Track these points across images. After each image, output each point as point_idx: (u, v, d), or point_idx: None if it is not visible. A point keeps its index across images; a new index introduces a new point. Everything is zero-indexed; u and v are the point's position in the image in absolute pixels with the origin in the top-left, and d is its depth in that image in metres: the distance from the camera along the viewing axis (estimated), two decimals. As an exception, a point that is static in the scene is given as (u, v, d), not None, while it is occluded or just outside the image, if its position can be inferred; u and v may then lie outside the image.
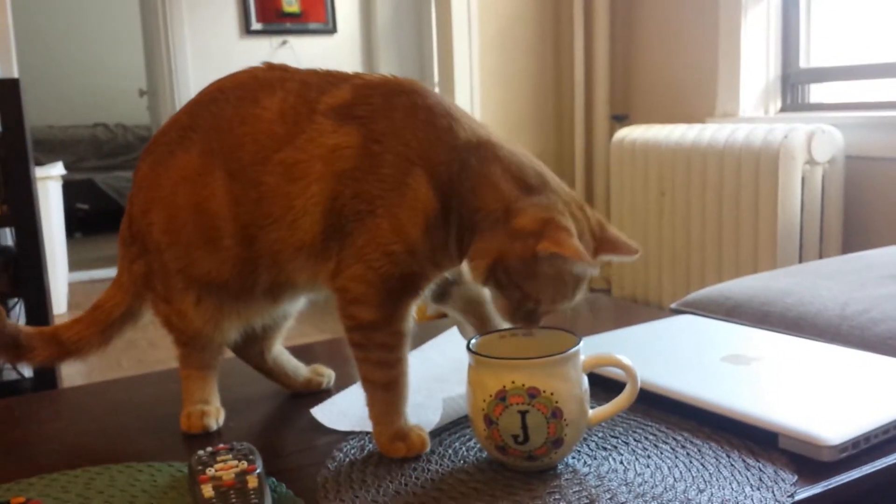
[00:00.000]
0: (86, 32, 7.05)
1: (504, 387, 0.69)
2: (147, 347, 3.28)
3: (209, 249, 0.80)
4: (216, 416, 0.87)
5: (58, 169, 4.09)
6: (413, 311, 0.77)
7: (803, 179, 2.43)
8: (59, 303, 3.95)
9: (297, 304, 0.91)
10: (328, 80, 0.79)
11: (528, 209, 0.71)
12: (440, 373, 0.95)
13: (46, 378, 2.25)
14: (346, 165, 0.74)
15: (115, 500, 0.70)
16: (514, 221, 0.70)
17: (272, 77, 0.80)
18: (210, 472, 0.68)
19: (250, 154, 0.77)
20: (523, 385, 0.69)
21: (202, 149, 0.80)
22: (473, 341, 0.75)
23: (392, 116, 0.75)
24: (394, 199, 0.72)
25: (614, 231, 0.75)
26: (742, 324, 1.17)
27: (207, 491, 0.65)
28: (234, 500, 0.64)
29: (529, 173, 0.74)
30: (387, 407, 0.77)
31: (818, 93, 2.87)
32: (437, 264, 0.76)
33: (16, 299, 2.38)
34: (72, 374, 2.94)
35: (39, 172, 3.83)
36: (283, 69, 0.81)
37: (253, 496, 0.64)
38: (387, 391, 0.76)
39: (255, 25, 4.88)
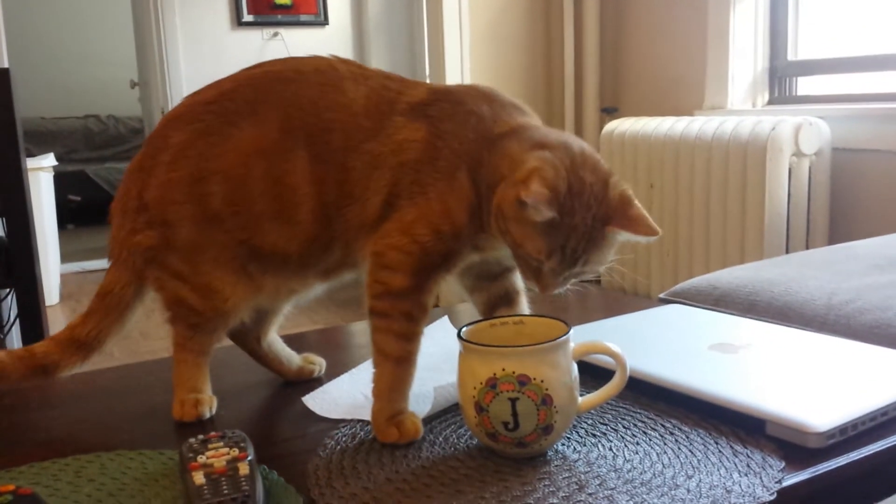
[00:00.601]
0: (77, 23, 7.01)
1: (494, 374, 0.70)
2: (139, 338, 3.27)
3: (282, 222, 0.82)
4: (209, 405, 0.87)
5: (49, 160, 4.07)
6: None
7: (790, 171, 2.44)
8: (51, 294, 3.94)
9: (313, 292, 0.92)
10: (404, 82, 0.84)
11: (528, 160, 0.74)
12: (432, 362, 0.95)
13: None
14: (410, 156, 0.79)
15: (105, 488, 0.70)
16: (515, 173, 0.74)
17: (351, 71, 0.84)
18: (201, 459, 0.68)
19: (339, 140, 0.81)
20: (513, 372, 0.69)
21: (281, 125, 0.81)
22: (464, 329, 0.75)
23: (455, 119, 0.80)
24: (445, 188, 0.78)
25: (637, 209, 0.77)
26: (729, 313, 1.18)
27: (198, 478, 0.65)
28: (225, 488, 0.64)
29: (551, 138, 0.77)
30: (393, 384, 0.78)
31: (805, 85, 2.88)
32: (476, 247, 0.81)
33: (8, 290, 2.37)
34: (61, 365, 2.93)
35: (31, 164, 3.81)
36: (358, 66, 0.85)
37: (244, 483, 0.65)
38: (398, 366, 0.78)
39: (247, 17, 4.86)
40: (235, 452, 0.69)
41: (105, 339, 0.89)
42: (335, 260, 0.84)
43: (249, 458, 0.68)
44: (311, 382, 0.95)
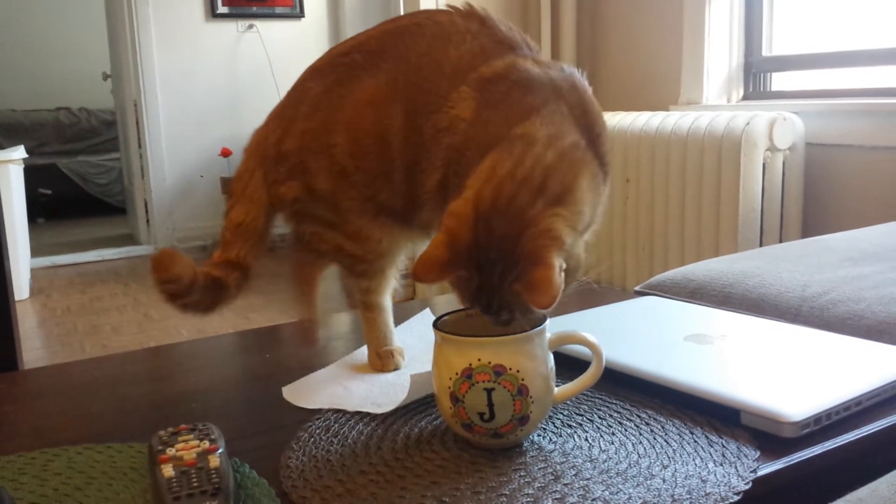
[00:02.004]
0: (49, 14, 6.90)
1: (470, 364, 0.69)
2: (111, 333, 3.23)
3: (386, 180, 0.82)
4: (402, 354, 0.92)
5: (19, 153, 4.01)
6: None
7: (764, 166, 2.46)
8: (21, 288, 3.88)
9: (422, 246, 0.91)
10: (504, 46, 0.78)
11: (449, 209, 0.71)
12: (412, 353, 0.95)
13: (5, 359, 2.20)
14: (456, 139, 0.76)
15: (72, 482, 0.69)
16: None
17: (465, 27, 0.80)
18: (171, 452, 0.67)
19: (423, 101, 0.78)
20: (489, 363, 0.68)
21: (389, 77, 0.80)
22: (440, 320, 0.75)
23: (500, 108, 0.74)
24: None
25: (543, 270, 0.64)
26: (704, 305, 1.18)
27: (167, 471, 0.64)
28: (195, 480, 0.63)
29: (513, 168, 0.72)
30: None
31: (780, 81, 2.90)
32: None
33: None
34: (33, 358, 2.89)
35: (0, 156, 3.76)
36: (481, 21, 0.81)
37: (214, 476, 0.63)
38: None
39: (221, 9, 4.81)
40: (206, 445, 0.68)
41: (251, 262, 0.88)
42: (426, 219, 0.83)
43: (220, 450, 0.67)
44: (286, 375, 0.94)
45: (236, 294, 0.88)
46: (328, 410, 0.82)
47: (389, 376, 0.90)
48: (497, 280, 0.67)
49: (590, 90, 0.78)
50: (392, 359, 0.92)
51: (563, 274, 0.67)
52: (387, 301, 0.93)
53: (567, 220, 0.68)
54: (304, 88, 0.85)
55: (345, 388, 0.84)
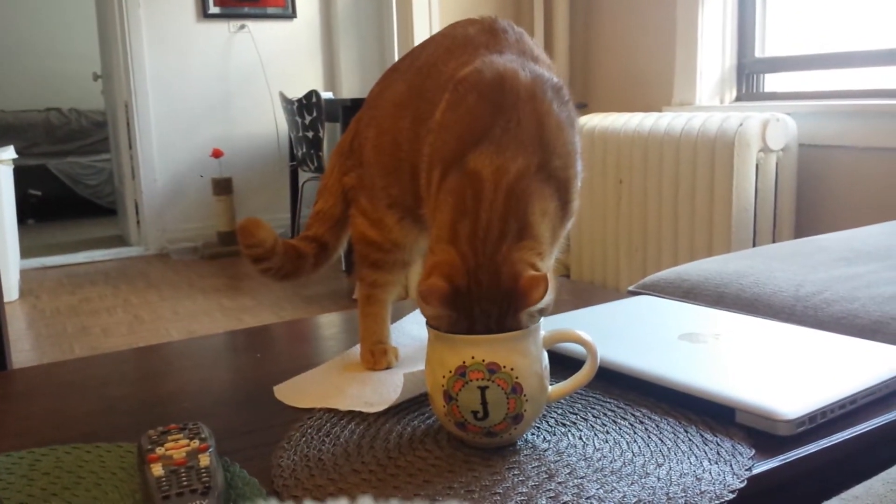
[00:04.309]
0: (39, 15, 6.87)
1: (464, 362, 0.68)
2: (101, 334, 3.21)
3: (396, 176, 0.87)
4: (395, 354, 0.92)
5: (9, 153, 3.98)
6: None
7: (757, 166, 2.47)
8: (10, 290, 3.86)
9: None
10: (490, 49, 0.80)
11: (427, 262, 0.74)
12: (405, 353, 0.94)
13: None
14: (428, 149, 0.79)
15: (60, 482, 0.68)
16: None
17: (477, 39, 0.82)
18: (160, 451, 0.66)
19: (426, 108, 0.81)
20: (483, 360, 0.68)
21: (410, 84, 0.86)
22: (432, 317, 0.74)
23: (457, 112, 0.75)
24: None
25: (527, 280, 0.68)
26: (698, 305, 1.18)
27: (157, 470, 0.63)
28: (184, 480, 0.62)
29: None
30: None
31: (773, 82, 2.91)
32: None
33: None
34: (22, 360, 2.87)
35: (-12, 156, 3.73)
36: (493, 32, 0.82)
37: (205, 475, 0.62)
38: None
39: (213, 9, 4.79)
40: (196, 444, 0.67)
41: (329, 238, 0.95)
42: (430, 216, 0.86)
43: (210, 449, 0.66)
44: (277, 374, 0.93)
45: (314, 265, 0.94)
46: (320, 410, 0.81)
47: (382, 375, 0.89)
48: (494, 326, 0.69)
49: (553, 102, 0.75)
50: (385, 356, 0.91)
51: (546, 271, 0.69)
52: (389, 300, 0.94)
53: (531, 250, 0.70)
54: (372, 91, 0.93)
55: (337, 388, 0.83)
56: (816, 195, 2.57)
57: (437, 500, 0.62)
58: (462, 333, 0.69)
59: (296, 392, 0.86)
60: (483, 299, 0.69)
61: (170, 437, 0.68)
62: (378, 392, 0.83)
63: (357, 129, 0.94)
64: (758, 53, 2.91)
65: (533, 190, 0.71)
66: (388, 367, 0.91)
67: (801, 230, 2.55)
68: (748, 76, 2.95)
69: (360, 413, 0.79)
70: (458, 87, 0.76)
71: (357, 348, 0.95)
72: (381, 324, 0.93)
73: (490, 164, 0.71)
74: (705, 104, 2.94)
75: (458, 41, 0.83)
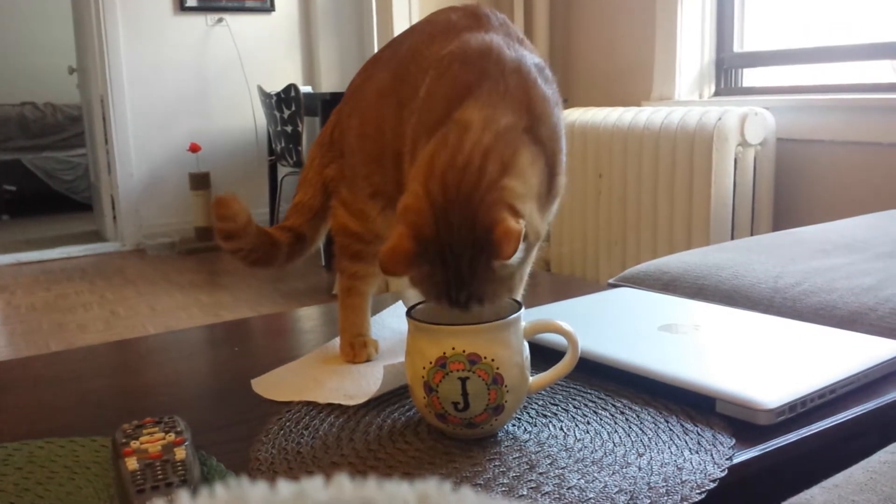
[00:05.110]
0: (13, 7, 6.76)
1: (444, 353, 0.68)
2: (77, 330, 3.18)
3: (379, 164, 0.86)
4: (375, 347, 0.92)
5: (-20, 148, 3.92)
6: None
7: (736, 160, 2.48)
8: (-17, 286, 3.80)
9: None
10: (469, 31, 0.79)
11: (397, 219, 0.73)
12: (385, 346, 0.93)
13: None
14: (414, 120, 0.79)
15: (33, 476, 0.66)
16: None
17: (459, 25, 0.81)
18: (135, 444, 0.65)
19: (407, 94, 0.81)
20: (464, 351, 0.67)
21: (394, 71, 0.85)
22: (413, 309, 0.73)
23: (436, 86, 0.76)
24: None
25: (502, 226, 0.65)
26: (678, 297, 1.18)
27: (132, 464, 0.62)
28: (159, 473, 0.61)
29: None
30: None
31: (751, 77, 2.92)
32: None
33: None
34: (-5, 358, 2.83)
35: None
36: (476, 18, 0.81)
37: (180, 468, 0.61)
38: None
39: (190, 2, 4.74)
40: (172, 437, 0.66)
41: (306, 230, 0.94)
42: None
43: (186, 442, 0.65)
44: (255, 368, 0.92)
45: (289, 256, 0.93)
46: (299, 403, 0.80)
47: (362, 367, 0.88)
48: (467, 269, 0.67)
49: (538, 77, 0.75)
50: (365, 349, 0.91)
51: (523, 227, 0.65)
52: (370, 292, 0.93)
53: (514, 190, 0.68)
54: (352, 83, 0.93)
55: (316, 381, 0.82)
56: (794, 189, 2.59)
57: (415, 479, 0.61)
58: (438, 285, 0.68)
59: (274, 385, 0.85)
60: (455, 241, 0.66)
61: (145, 431, 0.67)
62: (358, 384, 0.82)
63: (338, 121, 0.93)
64: (736, 48, 2.93)
65: (523, 141, 0.70)
66: (367, 360, 0.90)
67: (778, 223, 2.57)
68: (727, 71, 2.96)
69: (340, 406, 0.78)
70: (442, 60, 0.76)
71: (336, 341, 0.94)
72: (361, 316, 0.92)
73: (478, 114, 0.71)
74: (684, 99, 2.95)
75: (439, 27, 0.83)
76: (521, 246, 0.65)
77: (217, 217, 0.86)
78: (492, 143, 0.68)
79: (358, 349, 0.90)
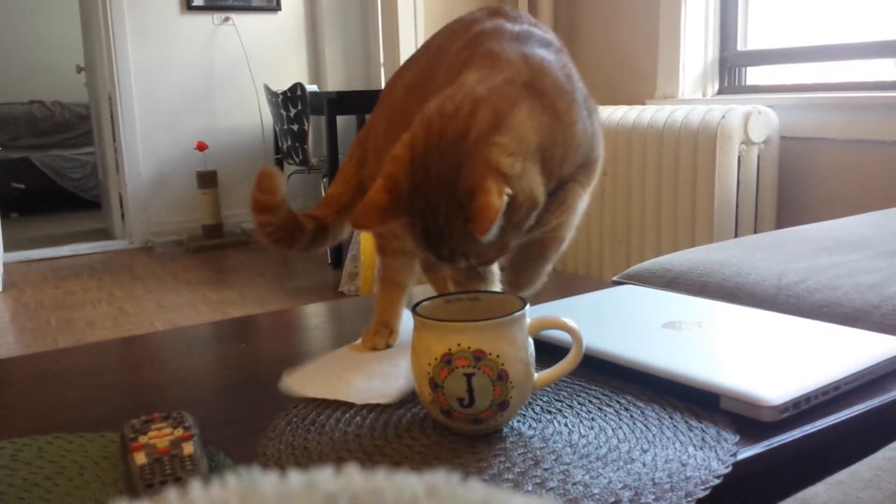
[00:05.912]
0: (21, 6, 6.79)
1: (449, 350, 0.68)
2: (85, 327, 3.19)
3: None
4: (392, 337, 0.92)
5: (-10, 146, 3.94)
6: None
7: (739, 159, 2.48)
8: (-8, 284, 3.82)
9: None
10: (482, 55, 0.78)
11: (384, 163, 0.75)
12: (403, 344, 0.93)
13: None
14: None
15: (42, 472, 0.67)
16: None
17: (485, 17, 0.82)
18: (143, 440, 0.65)
19: (430, 91, 0.79)
20: (469, 347, 0.68)
21: (421, 68, 0.86)
22: (419, 305, 0.74)
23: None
24: None
25: (482, 198, 0.63)
26: (682, 294, 1.18)
27: (140, 458, 0.63)
28: (168, 468, 0.62)
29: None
30: None
31: (755, 75, 2.92)
32: None
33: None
34: (5, 353, 2.85)
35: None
36: (497, 15, 0.82)
37: (188, 463, 0.62)
38: None
39: (197, 1, 4.75)
40: (180, 432, 0.66)
41: (330, 221, 0.94)
42: None
43: (194, 438, 0.66)
44: (262, 364, 0.92)
45: (310, 243, 0.93)
46: (303, 399, 0.80)
47: (384, 367, 0.87)
48: (443, 223, 0.66)
49: (543, 48, 0.76)
50: (381, 336, 0.92)
51: (505, 200, 0.63)
52: (404, 281, 0.94)
53: (506, 148, 0.65)
54: (387, 84, 0.94)
55: (340, 378, 0.82)
56: (798, 187, 2.59)
57: (424, 470, 0.62)
58: (419, 237, 0.67)
59: (301, 381, 0.84)
60: (431, 191, 0.65)
61: (153, 426, 0.68)
62: (382, 384, 0.82)
63: (370, 120, 0.95)
64: (740, 47, 2.92)
65: (523, 96, 0.69)
66: (387, 347, 0.91)
67: (782, 221, 2.57)
68: (730, 69, 2.96)
69: (346, 402, 0.78)
70: (459, 51, 0.78)
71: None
72: (391, 305, 0.94)
73: (475, 73, 0.72)
74: (688, 97, 2.95)
75: (463, 23, 0.85)
76: (500, 220, 0.64)
77: (258, 187, 0.87)
78: (486, 94, 0.67)
79: (376, 336, 0.92)
